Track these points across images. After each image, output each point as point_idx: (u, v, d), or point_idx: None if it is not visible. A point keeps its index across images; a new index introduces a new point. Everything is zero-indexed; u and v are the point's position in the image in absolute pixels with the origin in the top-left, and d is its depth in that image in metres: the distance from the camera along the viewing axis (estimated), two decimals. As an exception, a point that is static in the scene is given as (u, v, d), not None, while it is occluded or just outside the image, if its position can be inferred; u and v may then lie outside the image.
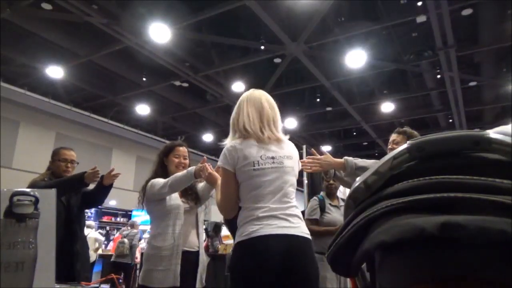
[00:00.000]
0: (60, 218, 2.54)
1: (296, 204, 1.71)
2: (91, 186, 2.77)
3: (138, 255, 8.43)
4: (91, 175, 2.53)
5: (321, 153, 2.27)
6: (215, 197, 1.83)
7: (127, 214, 12.72)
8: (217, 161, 1.81)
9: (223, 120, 10.81)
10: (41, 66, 7.58)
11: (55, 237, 0.94)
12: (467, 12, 5.87)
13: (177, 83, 8.52)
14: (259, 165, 1.66)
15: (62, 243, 2.46)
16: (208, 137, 11.59)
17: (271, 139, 1.72)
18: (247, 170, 1.66)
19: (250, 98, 1.81)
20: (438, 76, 7.60)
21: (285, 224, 1.59)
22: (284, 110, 9.57)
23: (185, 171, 2.28)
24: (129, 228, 8.66)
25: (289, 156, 1.74)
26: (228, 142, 1.76)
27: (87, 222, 8.75)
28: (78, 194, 2.77)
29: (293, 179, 1.74)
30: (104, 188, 2.68)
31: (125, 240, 7.91)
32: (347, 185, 2.54)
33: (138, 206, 2.54)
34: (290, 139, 1.86)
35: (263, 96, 1.83)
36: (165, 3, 5.86)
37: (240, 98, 1.86)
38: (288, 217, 1.61)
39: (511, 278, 0.34)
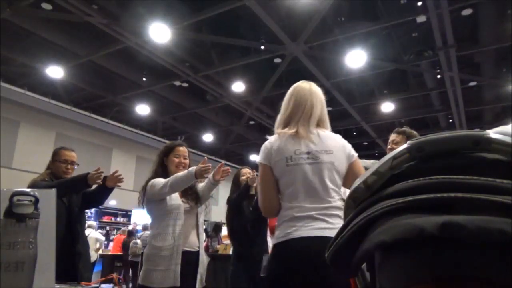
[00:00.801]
0: (61, 218, 2.54)
1: (339, 204, 1.57)
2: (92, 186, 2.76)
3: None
4: (94, 177, 2.51)
5: None
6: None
7: (127, 214, 12.74)
8: (217, 161, 1.80)
9: (223, 120, 10.82)
10: (41, 66, 7.59)
11: (55, 237, 0.94)
12: (467, 12, 5.87)
13: (177, 83, 8.53)
14: (292, 160, 1.57)
15: (64, 243, 2.46)
16: (208, 137, 11.60)
17: (308, 134, 1.62)
18: (281, 166, 1.58)
19: (294, 91, 1.74)
20: (438, 76, 7.61)
21: (322, 225, 1.48)
22: (284, 110, 9.57)
23: (185, 172, 2.28)
24: (142, 230, 9.15)
25: (327, 151, 1.60)
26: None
27: (89, 222, 8.78)
28: (79, 194, 2.76)
29: (334, 175, 1.59)
30: (106, 190, 2.67)
31: (138, 241, 8.34)
32: (347, 185, 2.54)
33: (138, 206, 2.54)
34: None
35: (308, 88, 1.73)
36: (165, 3, 5.87)
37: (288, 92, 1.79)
38: (326, 217, 1.50)
39: (511, 278, 0.34)
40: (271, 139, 1.65)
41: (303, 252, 1.44)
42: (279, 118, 1.72)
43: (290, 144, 1.60)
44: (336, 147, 1.64)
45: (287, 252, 1.49)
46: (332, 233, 1.47)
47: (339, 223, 1.50)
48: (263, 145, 1.65)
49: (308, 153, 1.58)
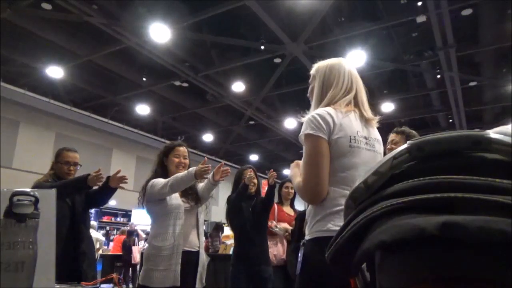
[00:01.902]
0: (66, 218, 2.55)
1: None
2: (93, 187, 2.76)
3: (138, 255, 8.45)
4: (94, 179, 2.51)
5: None
6: (292, 181, 1.49)
7: (127, 214, 12.73)
8: (217, 161, 1.74)
9: (223, 120, 10.81)
10: (41, 66, 7.59)
11: (55, 237, 0.94)
12: (467, 12, 5.87)
13: (177, 83, 8.52)
14: (355, 142, 1.37)
15: (68, 243, 2.47)
16: (208, 137, 11.60)
17: (365, 118, 1.46)
18: (342, 144, 1.34)
19: (351, 69, 1.52)
20: (438, 76, 7.60)
21: None
22: (284, 110, 9.58)
23: (185, 172, 2.28)
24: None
25: (378, 140, 1.48)
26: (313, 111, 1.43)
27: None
28: (82, 194, 2.77)
29: None
30: (109, 190, 2.67)
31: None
32: None
33: (138, 206, 2.54)
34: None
35: (354, 68, 1.56)
36: (165, 3, 5.86)
37: (328, 63, 1.55)
38: None
39: (511, 278, 0.34)
40: (329, 111, 1.38)
41: None
42: (330, 96, 1.46)
43: (352, 123, 1.39)
44: (380, 139, 1.52)
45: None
46: None
47: None
48: (316, 115, 1.37)
49: (366, 138, 1.42)
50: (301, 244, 1.40)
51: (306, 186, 1.34)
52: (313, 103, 1.52)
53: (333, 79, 1.49)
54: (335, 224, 1.26)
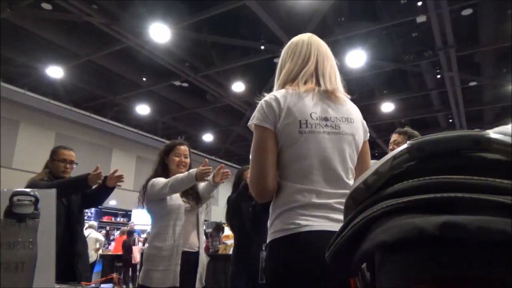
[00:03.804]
0: (61, 218, 2.52)
1: None
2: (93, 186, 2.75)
3: (138, 255, 8.45)
4: (94, 178, 2.50)
5: None
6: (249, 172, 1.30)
7: (127, 214, 12.74)
8: (217, 161, 1.70)
9: (223, 120, 10.82)
10: (41, 66, 7.59)
11: (55, 237, 0.94)
12: (467, 12, 5.87)
13: (177, 83, 8.53)
14: (307, 126, 1.18)
15: (63, 243, 2.46)
16: (208, 137, 11.60)
17: (327, 94, 1.26)
18: (291, 131, 1.18)
19: (312, 40, 1.38)
20: (438, 76, 7.60)
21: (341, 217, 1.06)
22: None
23: (186, 173, 2.28)
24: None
25: (348, 119, 1.25)
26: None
27: (89, 222, 8.79)
28: (78, 194, 2.75)
29: (353, 152, 1.24)
30: (106, 190, 2.66)
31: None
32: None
33: (138, 206, 2.54)
34: None
35: (315, 40, 1.39)
36: (165, 3, 5.87)
37: (292, 41, 1.42)
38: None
39: (511, 278, 0.34)
40: (277, 94, 1.23)
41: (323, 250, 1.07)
42: (285, 71, 1.32)
43: (305, 104, 1.21)
44: (357, 116, 1.30)
45: (307, 247, 1.08)
46: None
47: None
48: (263, 102, 1.23)
49: (326, 119, 1.21)
50: (263, 248, 1.26)
51: (251, 181, 1.22)
52: (275, 86, 1.36)
53: (290, 53, 1.35)
54: (288, 222, 1.13)
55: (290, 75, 1.30)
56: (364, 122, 1.35)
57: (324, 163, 1.18)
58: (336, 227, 0.99)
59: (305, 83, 1.26)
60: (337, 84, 1.32)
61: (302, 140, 1.17)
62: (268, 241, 1.21)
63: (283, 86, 1.29)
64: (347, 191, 1.18)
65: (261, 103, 1.23)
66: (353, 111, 1.31)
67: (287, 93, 1.23)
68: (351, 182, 1.21)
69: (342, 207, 1.11)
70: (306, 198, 1.15)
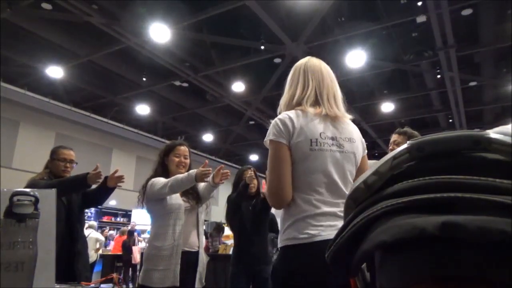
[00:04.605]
0: (61, 218, 2.52)
1: None
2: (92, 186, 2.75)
3: (138, 255, 8.45)
4: (93, 177, 2.50)
5: None
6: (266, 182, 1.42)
7: (127, 214, 12.74)
8: (217, 161, 1.74)
9: (223, 120, 10.82)
10: (41, 66, 7.59)
11: (55, 237, 0.94)
12: (467, 12, 5.87)
13: (177, 83, 8.53)
14: (317, 144, 1.33)
15: (63, 243, 2.46)
16: (208, 137, 11.60)
17: (331, 116, 1.40)
18: (303, 148, 1.32)
19: (308, 66, 1.50)
20: (438, 76, 7.60)
21: None
22: (284, 110, 9.57)
23: (186, 174, 2.28)
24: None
25: (350, 139, 1.41)
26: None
27: (90, 222, 8.79)
28: (78, 193, 2.75)
29: (353, 169, 1.39)
30: (107, 190, 2.66)
31: None
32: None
33: (138, 206, 2.54)
34: None
35: (322, 64, 1.52)
36: (165, 3, 5.87)
37: (294, 66, 1.55)
38: None
39: (511, 278, 0.34)
40: (290, 114, 1.37)
41: None
42: (289, 96, 1.47)
43: (316, 124, 1.36)
44: (357, 136, 1.45)
45: (313, 258, 1.13)
46: None
47: None
48: (277, 120, 1.37)
49: (332, 138, 1.36)
50: (274, 251, 1.39)
51: (269, 191, 1.35)
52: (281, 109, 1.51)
53: (291, 80, 1.51)
54: (302, 232, 1.26)
55: (294, 100, 1.45)
56: (363, 140, 1.49)
57: (329, 177, 1.33)
58: None
59: (311, 106, 1.41)
60: (339, 105, 1.47)
61: (312, 157, 1.32)
62: (280, 246, 1.33)
63: (290, 108, 1.44)
64: None
65: (276, 121, 1.37)
66: (354, 131, 1.46)
67: (298, 114, 1.37)
68: (343, 189, 1.34)
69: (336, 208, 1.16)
70: (315, 207, 1.29)
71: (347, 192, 1.22)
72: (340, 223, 1.17)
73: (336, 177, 1.33)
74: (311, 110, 1.39)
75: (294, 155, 1.33)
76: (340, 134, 1.39)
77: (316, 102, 1.43)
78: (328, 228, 1.25)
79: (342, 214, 1.15)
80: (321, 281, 1.12)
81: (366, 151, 1.50)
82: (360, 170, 1.42)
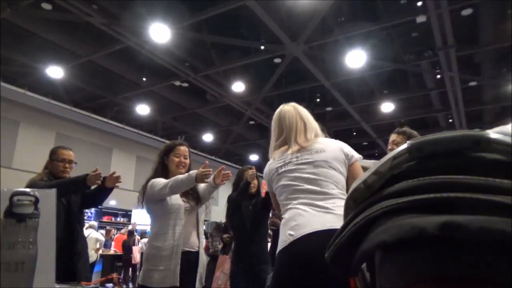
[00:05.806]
0: (60, 218, 2.52)
1: (336, 192, 1.57)
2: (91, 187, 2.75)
3: (138, 255, 8.45)
4: (93, 178, 2.50)
5: None
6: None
7: (127, 214, 12.74)
8: (217, 161, 1.83)
9: (223, 120, 10.81)
10: (41, 66, 7.59)
11: (55, 237, 0.94)
12: (467, 12, 5.87)
13: (177, 83, 8.53)
14: (281, 167, 1.66)
15: (63, 243, 2.46)
16: (208, 137, 11.60)
17: (294, 150, 1.67)
18: (274, 176, 1.68)
19: (280, 116, 1.80)
20: (438, 76, 7.61)
21: (328, 216, 1.61)
22: (284, 110, 9.56)
23: (186, 175, 2.27)
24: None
25: (318, 150, 1.63)
26: None
27: (90, 223, 8.78)
28: (78, 194, 2.76)
29: (329, 172, 1.58)
30: (105, 190, 2.67)
31: None
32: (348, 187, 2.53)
33: (138, 206, 2.54)
34: None
35: (292, 109, 1.79)
36: (165, 3, 5.87)
37: (273, 117, 1.87)
38: (323, 202, 1.62)
39: (511, 278, 0.34)
40: (269, 164, 1.74)
41: (312, 251, 1.35)
42: (275, 144, 1.77)
43: (280, 156, 1.68)
44: (331, 146, 1.65)
45: (291, 257, 1.47)
46: (334, 218, 1.45)
47: (339, 205, 1.47)
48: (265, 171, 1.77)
49: (297, 156, 1.63)
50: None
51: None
52: None
53: (271, 130, 1.84)
54: (288, 232, 1.50)
55: (272, 149, 1.78)
56: (345, 148, 1.66)
57: (297, 185, 1.59)
58: (317, 226, 1.42)
59: (280, 146, 1.74)
60: (308, 136, 1.70)
61: (280, 178, 1.64)
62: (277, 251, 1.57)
63: (271, 156, 1.77)
64: (324, 196, 1.50)
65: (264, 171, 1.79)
66: (327, 144, 1.66)
67: (274, 160, 1.72)
68: (328, 189, 1.54)
69: (311, 201, 1.50)
70: (288, 212, 1.57)
71: (325, 187, 1.54)
72: (308, 208, 1.50)
73: (305, 182, 1.57)
74: (277, 153, 1.71)
75: (273, 186, 1.71)
76: (305, 149, 1.63)
77: (284, 143, 1.73)
78: (300, 226, 1.51)
79: (309, 201, 1.52)
80: (301, 274, 1.40)
81: (356, 156, 1.65)
82: (350, 175, 1.62)
